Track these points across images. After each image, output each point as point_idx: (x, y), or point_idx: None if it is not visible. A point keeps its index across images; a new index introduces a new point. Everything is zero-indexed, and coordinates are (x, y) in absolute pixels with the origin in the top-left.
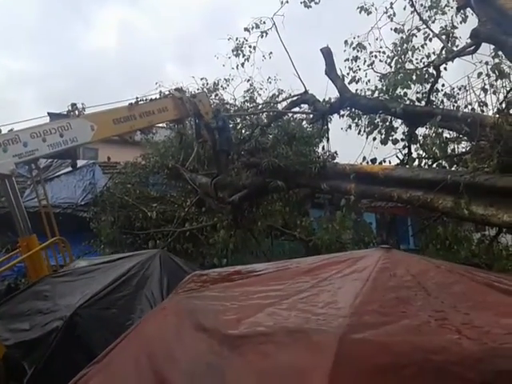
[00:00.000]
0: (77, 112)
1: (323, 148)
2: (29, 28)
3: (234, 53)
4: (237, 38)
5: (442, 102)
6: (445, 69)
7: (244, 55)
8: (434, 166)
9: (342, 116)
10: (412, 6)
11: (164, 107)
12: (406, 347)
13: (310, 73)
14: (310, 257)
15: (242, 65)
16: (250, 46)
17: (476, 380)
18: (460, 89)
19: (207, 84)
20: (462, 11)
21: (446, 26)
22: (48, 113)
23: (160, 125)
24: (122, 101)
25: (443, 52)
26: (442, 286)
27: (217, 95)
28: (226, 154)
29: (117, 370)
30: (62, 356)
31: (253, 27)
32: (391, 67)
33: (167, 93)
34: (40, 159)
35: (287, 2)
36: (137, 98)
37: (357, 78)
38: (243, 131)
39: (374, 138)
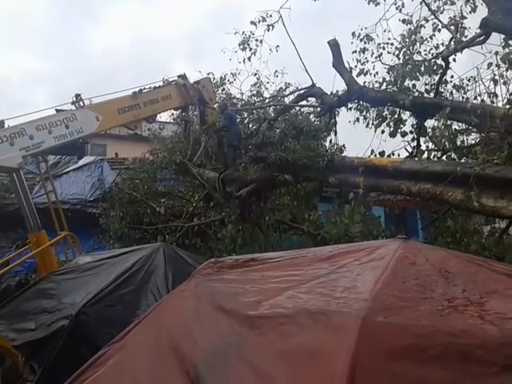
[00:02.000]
0: (81, 103)
1: (331, 141)
2: (42, 28)
3: (241, 47)
4: (243, 32)
5: (451, 93)
6: (454, 60)
7: (251, 49)
8: (444, 158)
9: (350, 109)
10: None
11: (168, 95)
12: (428, 330)
13: (318, 66)
14: (327, 246)
15: (249, 59)
16: (256, 40)
17: (499, 363)
18: (469, 80)
19: (214, 79)
20: (471, 1)
21: (454, 16)
22: (56, 110)
23: (167, 120)
24: (126, 90)
25: (452, 43)
26: (462, 275)
27: (223, 89)
28: (236, 148)
29: (136, 348)
30: (70, 355)
31: (259, 21)
32: (399, 59)
33: (170, 80)
34: (48, 155)
35: None
36: (140, 89)
37: (365, 71)
38: (250, 125)
39: (383, 131)
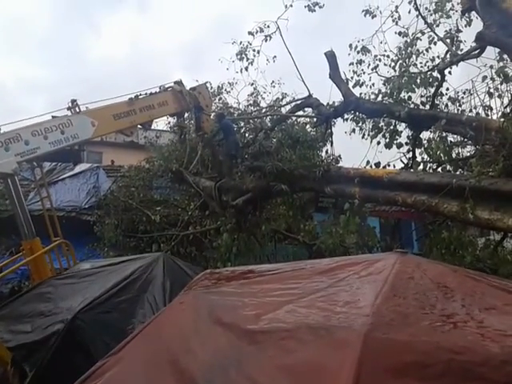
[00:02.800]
0: (77, 109)
1: (327, 152)
2: (40, 35)
3: (238, 57)
4: (241, 42)
5: (447, 105)
6: (449, 73)
7: (248, 59)
8: (439, 170)
9: (346, 120)
10: (417, 9)
11: (164, 101)
12: (430, 347)
13: (314, 77)
14: (325, 258)
15: (246, 69)
16: (253, 50)
17: (501, 381)
18: (464, 93)
19: (211, 88)
20: (466, 14)
21: (450, 29)
22: (52, 116)
23: (164, 128)
24: (122, 96)
25: (448, 56)
26: (461, 290)
27: (220, 99)
28: (233, 157)
29: (134, 361)
30: (63, 359)
31: (257, 31)
32: (395, 71)
33: (167, 86)
34: (44, 162)
35: (291, 6)
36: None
37: (361, 82)
38: (247, 135)
39: (378, 142)
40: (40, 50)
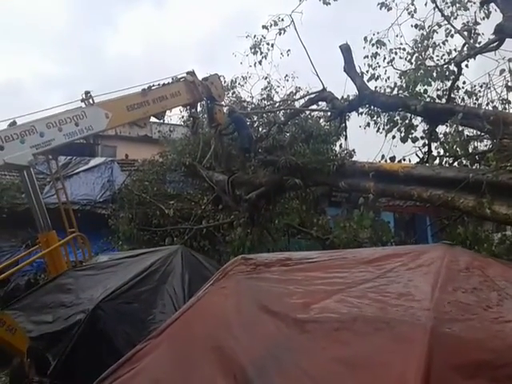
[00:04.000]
0: (91, 101)
1: (341, 146)
2: (57, 31)
3: (252, 50)
4: (255, 36)
5: (463, 99)
6: (466, 66)
7: (262, 53)
8: (455, 164)
9: (361, 114)
10: (433, 2)
11: (177, 91)
12: (500, 345)
13: (329, 72)
14: (365, 248)
15: (260, 62)
16: (267, 44)
17: None
18: (481, 86)
19: (225, 82)
20: (485, 7)
21: (468, 22)
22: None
23: (177, 122)
24: (135, 87)
25: (465, 48)
26: None
27: (234, 93)
28: (247, 151)
29: (175, 346)
30: (84, 349)
31: (271, 25)
32: (411, 64)
33: (179, 77)
34: (59, 156)
35: None
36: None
37: (376, 76)
38: (260, 129)
39: (394, 136)
40: (57, 46)
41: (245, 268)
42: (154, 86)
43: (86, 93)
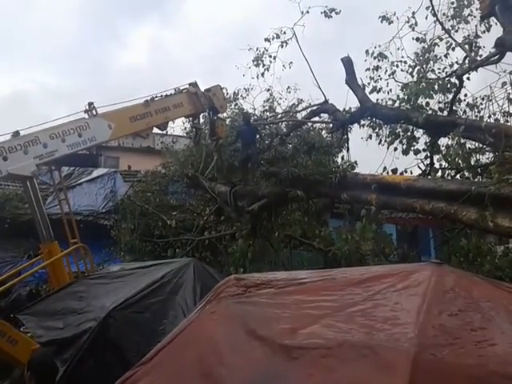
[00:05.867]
0: (94, 112)
1: (343, 158)
2: (65, 46)
3: (255, 63)
4: (257, 48)
5: (465, 112)
6: (468, 79)
7: (264, 65)
8: (457, 177)
9: (363, 126)
10: (434, 15)
11: (179, 103)
12: (483, 372)
13: (330, 85)
14: (355, 267)
15: (262, 74)
16: (270, 56)
17: None
18: (483, 99)
19: (227, 94)
20: (485, 20)
21: (469, 35)
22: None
23: (180, 134)
24: (137, 98)
25: (466, 61)
26: (498, 305)
27: (236, 104)
28: (251, 161)
29: (165, 372)
30: (94, 357)
31: (273, 37)
32: (413, 77)
33: (182, 88)
34: (62, 167)
35: (307, 12)
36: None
37: (378, 88)
38: (262, 140)
39: (395, 148)
40: (64, 60)
41: (235, 290)
42: (156, 97)
43: (90, 104)
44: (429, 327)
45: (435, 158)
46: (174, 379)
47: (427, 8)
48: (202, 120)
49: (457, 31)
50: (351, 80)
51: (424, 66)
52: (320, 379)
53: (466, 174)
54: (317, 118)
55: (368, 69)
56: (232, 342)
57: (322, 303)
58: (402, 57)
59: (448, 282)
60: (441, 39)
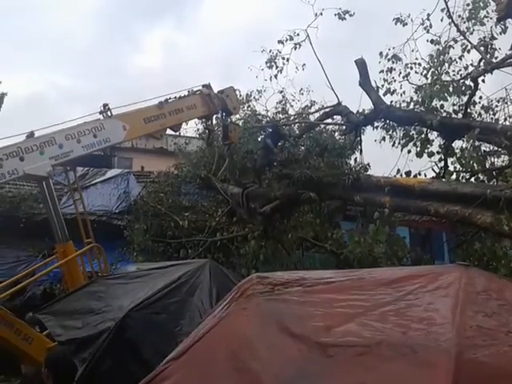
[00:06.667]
0: (109, 113)
1: (355, 160)
2: (81, 48)
3: (268, 65)
4: (270, 50)
5: (480, 114)
6: (483, 81)
7: (277, 67)
8: (472, 180)
9: (376, 128)
10: (449, 17)
11: (193, 104)
12: None
13: (344, 87)
14: (382, 268)
15: (275, 76)
16: (283, 58)
17: None
18: (498, 101)
19: (240, 96)
20: (502, 22)
21: (484, 37)
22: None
23: (193, 135)
24: (151, 99)
25: (481, 63)
26: None
27: (249, 106)
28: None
29: (198, 367)
30: (112, 356)
31: (286, 39)
32: (427, 79)
33: (195, 89)
34: (77, 167)
35: (321, 14)
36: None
37: (392, 90)
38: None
39: (409, 151)
40: (81, 62)
41: (262, 288)
42: (170, 98)
43: (104, 105)
44: (466, 328)
45: (449, 160)
46: (206, 374)
47: (442, 10)
48: (214, 121)
49: (472, 33)
50: (365, 82)
51: (439, 68)
52: (359, 377)
53: (481, 177)
54: (330, 120)
55: (382, 71)
56: (266, 338)
57: (354, 302)
58: (417, 59)
59: (478, 283)
60: (456, 41)
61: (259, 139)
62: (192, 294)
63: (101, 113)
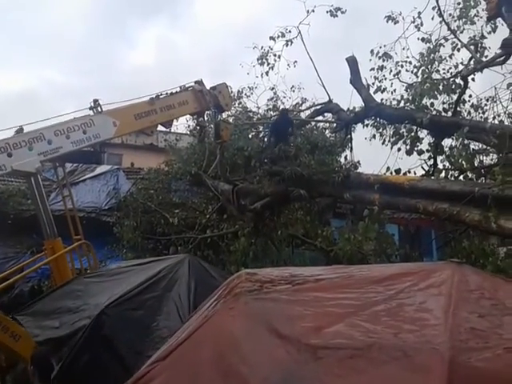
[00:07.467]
0: (99, 109)
1: (346, 157)
2: (74, 44)
3: (259, 61)
4: (262, 47)
5: (469, 113)
6: (472, 79)
7: (269, 64)
8: (461, 178)
9: (366, 126)
10: (440, 15)
11: (184, 100)
12: None
13: (335, 85)
14: (373, 265)
15: (267, 73)
16: (274, 55)
17: None
18: (488, 100)
19: (232, 92)
20: (491, 21)
21: (474, 36)
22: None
23: (184, 132)
24: (143, 97)
25: (471, 62)
26: None
27: (240, 103)
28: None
29: (184, 369)
30: (88, 354)
31: (278, 36)
32: (418, 77)
33: (187, 86)
34: (66, 163)
35: (313, 11)
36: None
37: (382, 88)
38: (265, 139)
39: (399, 149)
40: (73, 58)
41: (251, 285)
42: (161, 94)
43: (95, 101)
44: (460, 329)
45: (439, 158)
46: (192, 376)
47: (433, 8)
48: (206, 118)
49: (462, 32)
50: (356, 80)
51: (429, 66)
52: (350, 381)
53: (470, 175)
54: (320, 118)
55: (373, 69)
56: (254, 339)
57: (344, 301)
58: (407, 57)
59: (471, 281)
60: (446, 40)
61: (250, 136)
62: (170, 289)
63: (91, 108)
